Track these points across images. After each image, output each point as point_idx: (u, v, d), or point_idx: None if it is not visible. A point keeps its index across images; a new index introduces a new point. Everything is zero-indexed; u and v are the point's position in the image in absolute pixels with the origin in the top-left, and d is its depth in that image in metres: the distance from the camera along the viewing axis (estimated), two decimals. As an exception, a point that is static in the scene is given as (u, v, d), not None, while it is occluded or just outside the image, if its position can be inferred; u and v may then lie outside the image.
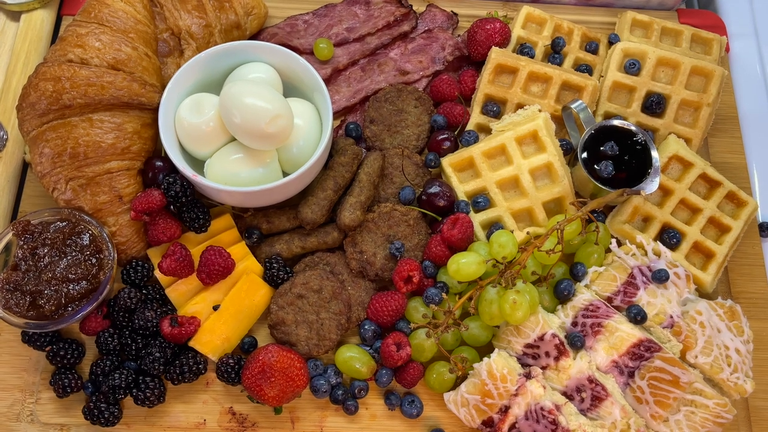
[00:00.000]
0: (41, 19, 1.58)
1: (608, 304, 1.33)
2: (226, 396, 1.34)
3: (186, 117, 1.32)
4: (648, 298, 1.33)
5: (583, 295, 1.33)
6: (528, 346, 1.29)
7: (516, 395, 1.25)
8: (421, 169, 1.47)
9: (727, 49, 1.68)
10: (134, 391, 1.27)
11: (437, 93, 1.55)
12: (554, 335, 1.27)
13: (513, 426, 1.25)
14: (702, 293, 1.43)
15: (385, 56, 1.61)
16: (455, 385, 1.32)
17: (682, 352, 1.30)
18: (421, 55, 1.60)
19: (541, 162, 1.42)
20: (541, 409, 1.23)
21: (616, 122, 1.42)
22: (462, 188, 1.43)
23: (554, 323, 1.31)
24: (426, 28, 1.65)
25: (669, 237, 1.41)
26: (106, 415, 1.26)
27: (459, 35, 1.65)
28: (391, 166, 1.46)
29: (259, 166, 1.32)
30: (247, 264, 1.36)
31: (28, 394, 1.32)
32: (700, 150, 1.55)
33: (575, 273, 1.37)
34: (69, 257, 1.26)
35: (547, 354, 1.28)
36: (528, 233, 1.38)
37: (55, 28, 1.62)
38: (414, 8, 1.66)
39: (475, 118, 1.51)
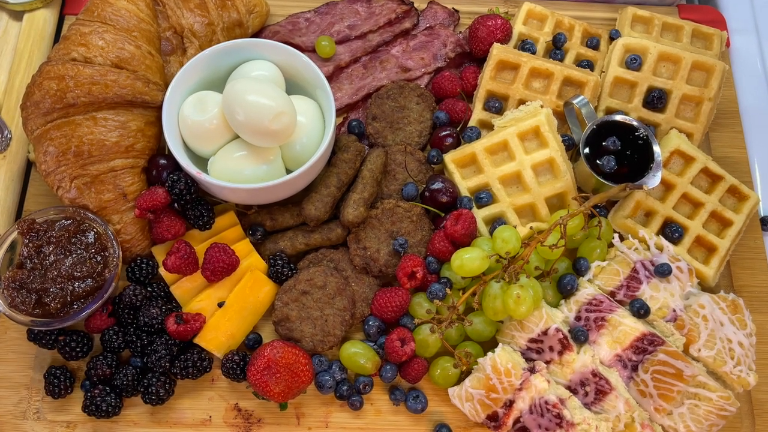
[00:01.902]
0: (44, 19, 1.59)
1: (611, 299, 1.33)
2: (232, 392, 1.34)
3: (189, 115, 1.33)
4: (651, 292, 1.33)
5: (587, 290, 1.33)
6: (532, 340, 1.30)
7: (520, 389, 1.25)
8: (424, 166, 1.47)
9: (728, 44, 1.69)
10: (143, 388, 1.28)
11: (439, 90, 1.55)
12: (558, 330, 1.28)
13: (517, 420, 1.26)
14: (704, 287, 1.43)
15: (386, 53, 1.61)
16: (460, 380, 1.32)
17: (685, 345, 1.30)
18: (422, 52, 1.60)
19: (543, 157, 1.42)
20: (546, 403, 1.24)
21: (618, 117, 1.42)
22: (465, 184, 1.44)
23: (558, 318, 1.31)
24: (427, 25, 1.65)
25: (671, 231, 1.42)
26: (104, 407, 1.25)
27: (460, 32, 1.65)
28: (394, 163, 1.46)
29: (262, 164, 1.33)
30: (251, 261, 1.37)
31: (35, 391, 1.32)
32: (701, 144, 1.56)
33: (578, 268, 1.37)
34: (74, 255, 1.27)
35: (551, 348, 1.29)
36: (531, 228, 1.39)
37: (57, 28, 1.62)
38: (415, 5, 1.66)
39: (477, 114, 1.52)
